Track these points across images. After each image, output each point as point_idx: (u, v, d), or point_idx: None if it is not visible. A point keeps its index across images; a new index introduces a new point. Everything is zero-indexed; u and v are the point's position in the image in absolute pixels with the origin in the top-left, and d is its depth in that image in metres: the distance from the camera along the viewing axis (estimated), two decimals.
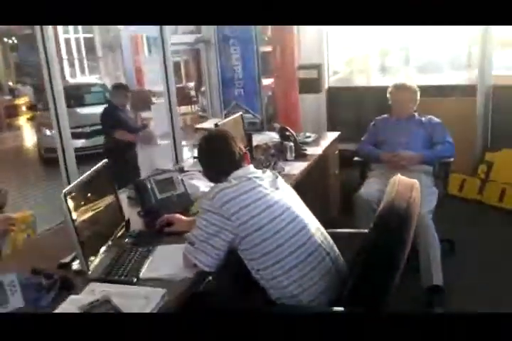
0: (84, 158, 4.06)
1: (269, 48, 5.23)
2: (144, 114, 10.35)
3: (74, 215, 1.55)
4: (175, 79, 4.05)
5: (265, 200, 1.57)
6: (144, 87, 12.13)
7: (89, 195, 1.69)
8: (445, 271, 2.52)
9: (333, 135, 3.62)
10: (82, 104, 8.44)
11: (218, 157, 1.69)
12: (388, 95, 3.03)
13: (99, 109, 5.95)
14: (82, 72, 15.35)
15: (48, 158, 6.98)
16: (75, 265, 1.69)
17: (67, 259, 1.73)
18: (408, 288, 2.12)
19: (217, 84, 5.17)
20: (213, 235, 1.55)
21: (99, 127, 4.64)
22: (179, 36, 4.31)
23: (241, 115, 3.03)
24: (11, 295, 1.35)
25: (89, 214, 1.67)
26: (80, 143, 6.92)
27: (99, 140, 5.17)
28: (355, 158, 3.14)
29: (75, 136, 6.52)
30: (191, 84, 12.01)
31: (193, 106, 10.20)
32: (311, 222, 1.66)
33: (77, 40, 15.23)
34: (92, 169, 1.77)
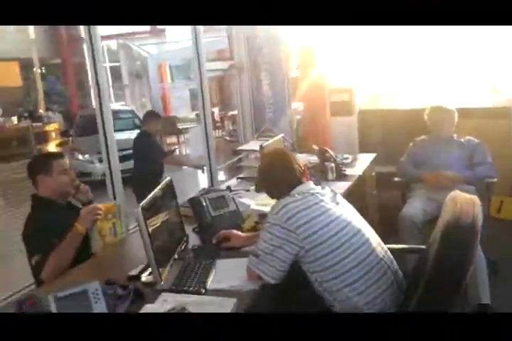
0: None
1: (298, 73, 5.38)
2: (169, 140, 10.61)
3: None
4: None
5: (328, 215, 1.63)
6: (169, 113, 12.47)
7: (157, 210, 1.78)
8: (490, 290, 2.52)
9: (369, 156, 3.68)
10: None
11: (282, 173, 1.76)
12: (426, 117, 3.10)
13: (128, 135, 6.12)
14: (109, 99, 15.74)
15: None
16: (144, 277, 1.76)
17: (135, 272, 1.81)
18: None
19: (248, 108, 5.32)
20: (278, 247, 1.61)
21: (129, 152, 4.68)
22: (210, 63, 4.48)
23: (282, 137, 3.12)
24: (94, 303, 1.42)
25: (158, 228, 1.75)
26: None
27: (129, 164, 5.21)
28: (396, 179, 3.19)
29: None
30: (215, 110, 12.27)
31: (217, 130, 10.41)
32: (372, 237, 1.71)
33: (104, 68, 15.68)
34: (159, 187, 1.86)
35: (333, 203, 1.70)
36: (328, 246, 1.58)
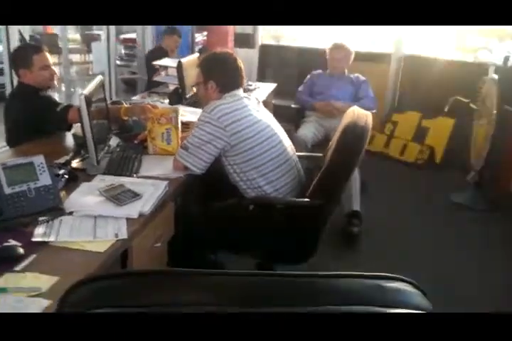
0: None
1: None
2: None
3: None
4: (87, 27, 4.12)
5: (252, 117, 1.90)
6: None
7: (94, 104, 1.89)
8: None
9: (270, 86, 3.98)
10: None
11: (234, 70, 1.95)
12: (327, 51, 3.45)
13: None
14: None
15: None
16: (75, 163, 1.90)
17: (63, 160, 1.92)
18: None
19: (150, 32, 5.24)
20: (207, 142, 1.85)
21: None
22: None
23: (198, 56, 3.24)
24: (39, 174, 1.54)
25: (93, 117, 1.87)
26: None
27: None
28: (293, 105, 3.55)
29: None
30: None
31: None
32: (285, 140, 2.03)
33: None
34: (95, 82, 1.95)
35: (256, 109, 1.97)
36: (251, 142, 1.86)
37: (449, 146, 4.19)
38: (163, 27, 4.54)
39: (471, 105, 3.64)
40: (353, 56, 3.45)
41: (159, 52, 4.12)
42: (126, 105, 2.34)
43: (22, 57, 2.25)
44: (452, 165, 4.03)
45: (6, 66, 3.45)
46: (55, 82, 2.38)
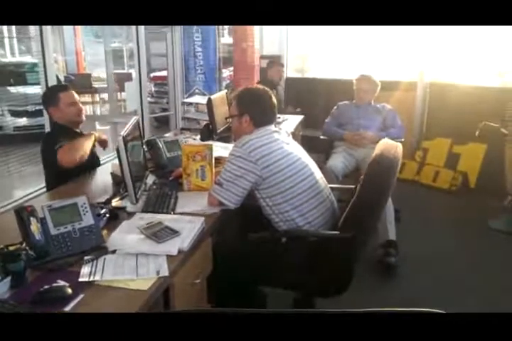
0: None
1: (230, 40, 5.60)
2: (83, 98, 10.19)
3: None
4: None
5: (283, 150, 1.94)
6: (83, 71, 11.94)
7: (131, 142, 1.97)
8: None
9: (298, 118, 4.05)
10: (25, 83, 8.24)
11: (269, 107, 2.02)
12: (354, 82, 3.51)
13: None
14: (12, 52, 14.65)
15: None
16: (114, 202, 1.97)
17: (103, 199, 2.00)
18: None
19: (179, 69, 5.43)
20: (240, 177, 1.89)
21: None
22: None
23: (226, 92, 3.35)
24: (83, 214, 1.61)
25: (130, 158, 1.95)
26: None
27: (41, 120, 5.10)
28: (321, 137, 3.60)
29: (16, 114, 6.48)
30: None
31: None
32: (316, 172, 2.06)
33: None
34: (131, 122, 2.04)
35: (287, 142, 2.01)
36: (282, 175, 1.90)
37: (483, 171, 4.13)
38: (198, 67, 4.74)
39: (502, 129, 3.60)
40: (379, 88, 3.50)
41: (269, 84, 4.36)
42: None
43: (50, 96, 2.45)
44: (487, 190, 3.96)
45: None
46: (83, 117, 2.52)
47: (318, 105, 4.84)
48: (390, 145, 1.93)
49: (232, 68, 5.75)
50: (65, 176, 2.28)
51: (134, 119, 2.13)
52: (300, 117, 4.07)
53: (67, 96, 2.42)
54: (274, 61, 4.79)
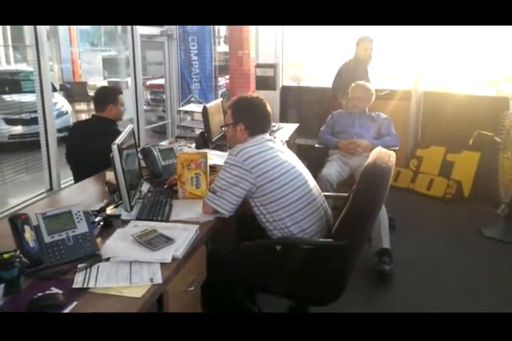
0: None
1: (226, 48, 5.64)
2: (78, 106, 10.21)
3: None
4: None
5: (278, 158, 1.95)
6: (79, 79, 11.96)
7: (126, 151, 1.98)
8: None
9: (292, 126, 4.07)
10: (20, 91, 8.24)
11: (264, 115, 2.03)
12: (350, 90, 3.54)
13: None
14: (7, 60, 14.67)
15: None
16: (109, 210, 1.97)
17: (98, 207, 2.00)
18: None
19: (176, 77, 5.45)
20: (234, 184, 1.90)
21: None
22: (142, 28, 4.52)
23: (221, 101, 3.37)
24: (77, 222, 1.61)
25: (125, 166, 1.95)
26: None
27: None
28: (316, 145, 3.61)
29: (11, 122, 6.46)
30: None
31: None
32: (310, 180, 2.07)
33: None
34: (125, 131, 2.05)
35: (282, 150, 2.03)
36: (277, 183, 1.90)
37: (477, 180, 4.16)
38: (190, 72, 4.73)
39: (496, 138, 3.63)
40: (374, 96, 3.52)
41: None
42: None
43: (111, 94, 2.88)
44: (481, 199, 3.98)
45: (40, 115, 3.61)
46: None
47: (314, 113, 4.87)
48: (383, 154, 1.94)
49: (228, 76, 5.78)
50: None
51: (129, 127, 2.14)
52: (295, 126, 4.09)
53: (122, 98, 2.89)
54: (362, 37, 4.35)
